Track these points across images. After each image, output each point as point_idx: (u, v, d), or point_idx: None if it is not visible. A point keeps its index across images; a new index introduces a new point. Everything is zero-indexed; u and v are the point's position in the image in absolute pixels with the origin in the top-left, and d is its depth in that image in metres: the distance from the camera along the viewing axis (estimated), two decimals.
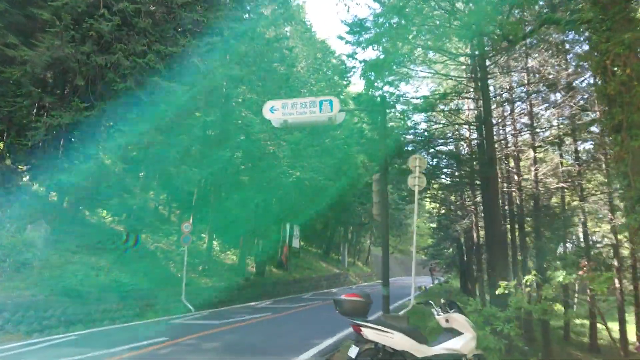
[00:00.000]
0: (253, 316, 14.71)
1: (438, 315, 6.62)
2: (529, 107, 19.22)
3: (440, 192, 27.67)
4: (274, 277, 27.01)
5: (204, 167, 18.47)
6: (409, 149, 18.86)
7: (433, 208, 30.51)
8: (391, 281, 41.71)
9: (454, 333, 6.43)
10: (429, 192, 27.73)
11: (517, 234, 20.40)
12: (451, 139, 20.93)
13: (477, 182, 18.37)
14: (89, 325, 12.82)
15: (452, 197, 28.88)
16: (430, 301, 6.79)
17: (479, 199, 21.92)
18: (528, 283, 6.89)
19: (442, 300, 6.65)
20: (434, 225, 34.15)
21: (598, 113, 18.33)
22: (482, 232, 24.90)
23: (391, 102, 15.67)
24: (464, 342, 6.33)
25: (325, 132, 25.15)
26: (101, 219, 18.64)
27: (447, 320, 6.50)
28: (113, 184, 16.12)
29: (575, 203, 21.91)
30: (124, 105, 15.42)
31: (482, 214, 18.61)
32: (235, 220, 31.96)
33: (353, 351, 6.07)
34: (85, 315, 13.04)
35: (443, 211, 30.65)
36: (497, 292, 7.32)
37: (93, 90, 15.36)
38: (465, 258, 32.58)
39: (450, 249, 34.44)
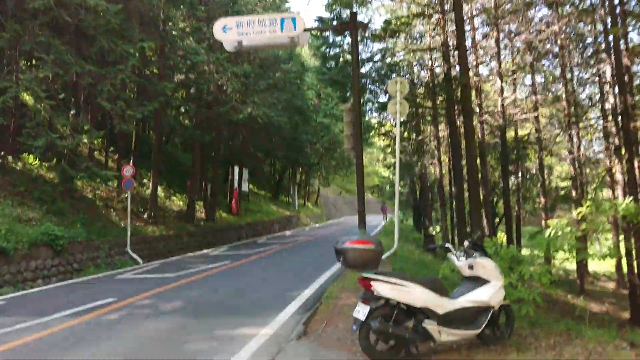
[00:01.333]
0: (211, 266, 13.28)
1: (459, 260, 5.43)
2: (495, 33, 18.07)
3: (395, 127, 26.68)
4: (225, 222, 25.53)
5: (144, 104, 16.27)
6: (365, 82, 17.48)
7: (387, 145, 29.49)
8: (342, 220, 41.40)
9: (479, 282, 5.28)
10: (383, 128, 26.71)
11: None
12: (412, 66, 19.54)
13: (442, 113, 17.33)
14: (18, 287, 11.02)
15: (407, 134, 28.00)
16: (449, 244, 5.57)
17: (441, 133, 21.01)
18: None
19: (466, 243, 5.44)
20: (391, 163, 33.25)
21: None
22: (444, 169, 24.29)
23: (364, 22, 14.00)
24: (492, 292, 5.19)
25: (276, 65, 23.16)
26: (27, 165, 16.27)
27: (470, 267, 5.31)
28: (37, 125, 13.81)
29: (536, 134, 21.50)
30: (44, 29, 12.94)
31: (450, 149, 17.60)
32: (181, 164, 29.93)
33: (361, 312, 4.80)
34: (13, 275, 11.20)
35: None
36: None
37: (2, 10, 12.74)
38: (419, 197, 32.26)
39: (406, 187, 33.96)
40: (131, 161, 21.71)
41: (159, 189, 23.10)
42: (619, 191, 16.87)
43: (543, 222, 25.35)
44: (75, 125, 14.80)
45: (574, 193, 22.63)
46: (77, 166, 15.32)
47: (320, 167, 46.34)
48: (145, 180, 22.44)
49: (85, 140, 17.09)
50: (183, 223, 21.16)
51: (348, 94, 17.58)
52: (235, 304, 8.05)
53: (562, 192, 27.93)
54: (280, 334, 5.99)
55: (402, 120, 9.85)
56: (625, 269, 23.42)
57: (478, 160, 18.22)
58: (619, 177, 16.75)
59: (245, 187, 32.20)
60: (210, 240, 21.82)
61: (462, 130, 16.92)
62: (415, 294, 4.87)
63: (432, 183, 29.91)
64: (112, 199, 19.02)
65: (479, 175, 15.19)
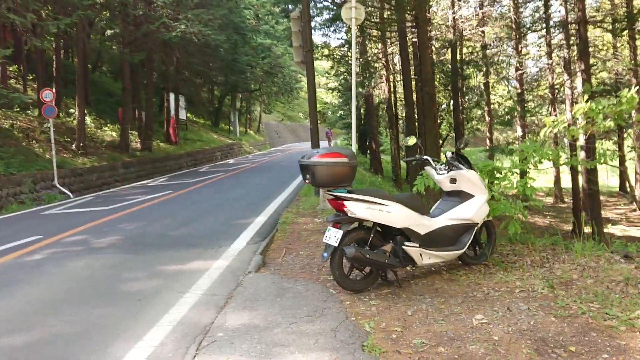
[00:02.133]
0: (150, 197, 12.23)
1: (439, 174, 4.77)
2: None
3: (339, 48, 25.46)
4: (163, 152, 24.05)
5: (58, 18, 14.22)
6: None
7: (330, 68, 28.27)
8: (285, 147, 40.42)
9: (462, 197, 4.67)
10: (326, 49, 25.47)
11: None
12: None
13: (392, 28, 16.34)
14: None
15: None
16: (428, 157, 4.88)
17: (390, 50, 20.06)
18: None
19: (448, 154, 4.76)
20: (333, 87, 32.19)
21: None
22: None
23: None
24: (477, 208, 4.62)
25: None
26: None
27: (453, 180, 4.68)
28: None
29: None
30: None
31: (400, 64, 16.77)
32: (112, 94, 27.62)
33: (333, 237, 4.10)
34: None
35: (343, 70, 28.69)
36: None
37: None
38: (363, 120, 31.69)
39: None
40: (54, 90, 19.61)
41: (89, 119, 21.23)
42: (567, 106, 16.84)
43: (487, 141, 25.60)
44: None
45: (517, 110, 22.70)
46: None
47: (261, 93, 44.62)
48: (72, 111, 20.43)
49: None
50: (117, 154, 19.60)
51: (291, 6, 16.15)
52: (180, 236, 7.20)
53: (505, 111, 28.20)
54: (236, 267, 5.25)
55: (357, 28, 8.86)
56: (563, 184, 24.29)
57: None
58: (567, 92, 16.64)
59: (182, 114, 30.43)
60: (149, 171, 20.49)
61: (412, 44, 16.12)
62: (394, 214, 4.20)
63: (377, 105, 29.31)
64: (34, 130, 17.16)
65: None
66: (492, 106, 26.43)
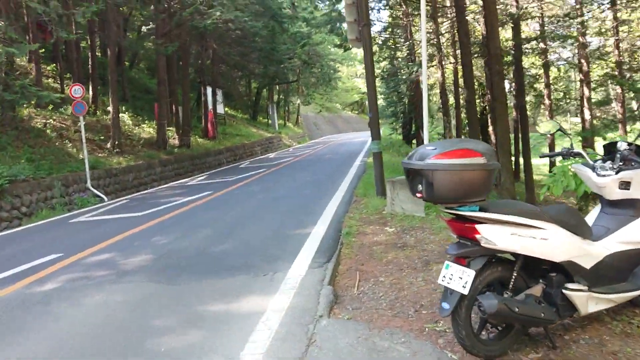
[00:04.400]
0: (188, 199, 11.02)
1: (601, 175, 3.22)
2: None
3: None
4: (201, 148, 23.00)
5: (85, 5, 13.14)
6: None
7: (374, 53, 26.56)
8: (325, 139, 38.74)
9: (637, 209, 3.12)
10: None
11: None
12: None
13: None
14: None
15: (393, 40, 25.16)
16: (581, 150, 3.33)
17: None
18: None
19: (622, 145, 3.19)
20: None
21: None
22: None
23: None
24: None
25: None
26: None
27: (624, 185, 3.13)
28: None
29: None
30: None
31: (460, 44, 15.01)
32: (150, 91, 26.82)
33: (457, 279, 2.64)
34: None
35: (386, 55, 27.00)
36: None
37: None
38: (407, 108, 29.94)
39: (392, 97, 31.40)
40: (90, 87, 18.80)
41: (126, 116, 20.37)
42: None
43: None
44: (7, 40, 11.83)
45: (585, 91, 20.58)
46: (17, 90, 12.50)
47: (300, 84, 43.29)
48: (109, 109, 19.59)
49: (18, 57, 14.02)
50: (154, 151, 18.62)
51: None
52: (223, 254, 5.86)
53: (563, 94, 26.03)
54: (301, 306, 3.83)
55: None
56: None
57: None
58: None
59: (220, 109, 29.36)
60: (187, 169, 19.47)
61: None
62: (553, 241, 2.70)
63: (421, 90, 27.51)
64: (68, 129, 16.32)
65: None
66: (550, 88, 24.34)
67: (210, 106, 26.21)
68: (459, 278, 2.65)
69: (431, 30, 18.52)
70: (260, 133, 34.48)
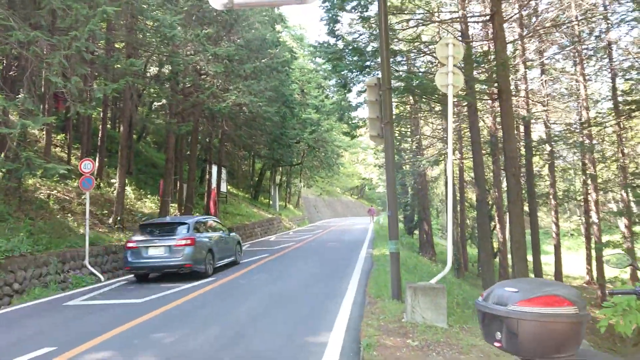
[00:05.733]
0: (190, 285, 10.51)
1: None
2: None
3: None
4: None
5: (105, 84, 13.32)
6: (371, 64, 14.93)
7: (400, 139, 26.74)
8: (324, 223, 38.35)
9: None
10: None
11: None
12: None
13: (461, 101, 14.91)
14: None
15: (402, 128, 25.55)
16: None
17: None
18: None
19: None
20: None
21: None
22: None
23: None
24: None
25: (263, 48, 20.44)
26: None
27: None
28: None
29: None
30: None
31: (470, 142, 15.13)
32: (155, 165, 26.91)
33: None
34: None
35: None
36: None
37: None
38: (411, 198, 30.03)
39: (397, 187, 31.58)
40: (97, 159, 18.76)
41: (129, 189, 20.19)
42: None
43: (554, 227, 23.36)
44: (21, 111, 11.82)
45: (593, 194, 20.63)
46: (24, 160, 12.33)
47: (303, 167, 43.69)
48: (113, 181, 19.45)
49: (32, 128, 14.00)
50: None
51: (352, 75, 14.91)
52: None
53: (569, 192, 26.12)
54: None
55: (453, 95, 7.32)
56: None
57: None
58: None
59: (223, 187, 29.31)
60: None
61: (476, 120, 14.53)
62: None
63: (427, 183, 27.62)
64: (71, 202, 16.04)
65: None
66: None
67: (214, 184, 26.16)
68: None
69: (441, 128, 18.82)
70: (260, 213, 34.21)
